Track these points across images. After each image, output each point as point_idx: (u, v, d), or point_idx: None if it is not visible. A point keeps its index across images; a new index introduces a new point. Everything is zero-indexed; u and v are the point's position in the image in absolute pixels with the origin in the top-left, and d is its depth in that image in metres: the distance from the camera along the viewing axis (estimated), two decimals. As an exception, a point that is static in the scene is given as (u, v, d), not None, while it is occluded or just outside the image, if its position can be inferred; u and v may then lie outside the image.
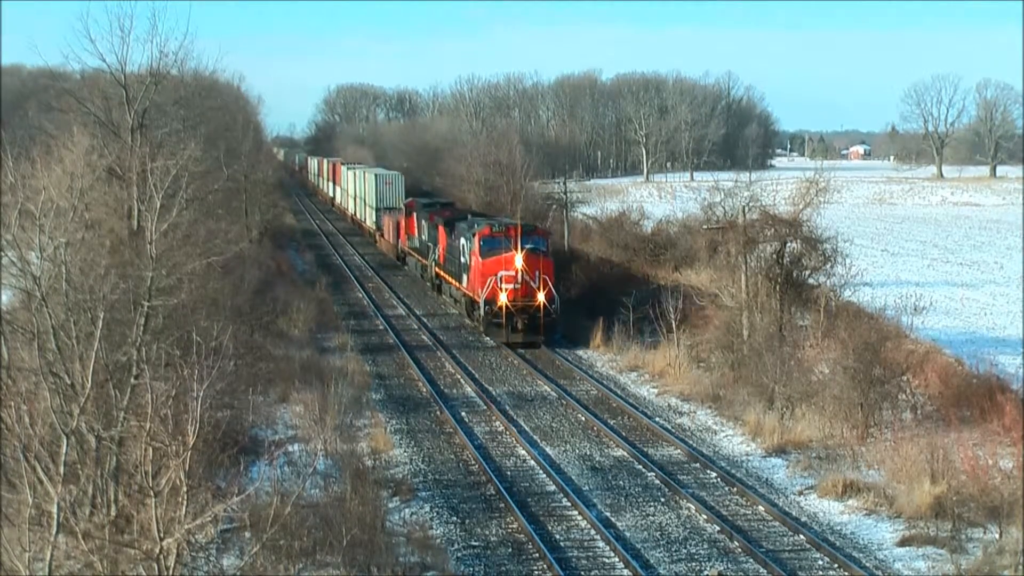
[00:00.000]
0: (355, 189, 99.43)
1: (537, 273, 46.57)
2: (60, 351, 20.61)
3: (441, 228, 57.82)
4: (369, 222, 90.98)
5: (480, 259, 47.83)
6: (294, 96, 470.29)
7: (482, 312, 47.51)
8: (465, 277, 51.12)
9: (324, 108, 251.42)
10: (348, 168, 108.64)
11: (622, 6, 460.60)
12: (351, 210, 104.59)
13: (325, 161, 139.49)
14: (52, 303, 21.16)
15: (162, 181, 26.21)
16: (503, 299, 46.67)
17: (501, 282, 46.77)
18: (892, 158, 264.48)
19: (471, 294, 49.99)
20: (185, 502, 16.75)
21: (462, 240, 51.63)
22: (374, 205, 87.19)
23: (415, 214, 68.58)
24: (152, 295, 22.96)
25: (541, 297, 46.53)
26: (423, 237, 65.13)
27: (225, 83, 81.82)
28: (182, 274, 27.28)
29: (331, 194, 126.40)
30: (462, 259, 51.81)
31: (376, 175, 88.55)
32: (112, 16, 45.99)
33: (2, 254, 23.90)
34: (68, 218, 24.48)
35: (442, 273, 58.30)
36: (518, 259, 46.53)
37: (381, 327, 53.60)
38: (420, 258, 66.68)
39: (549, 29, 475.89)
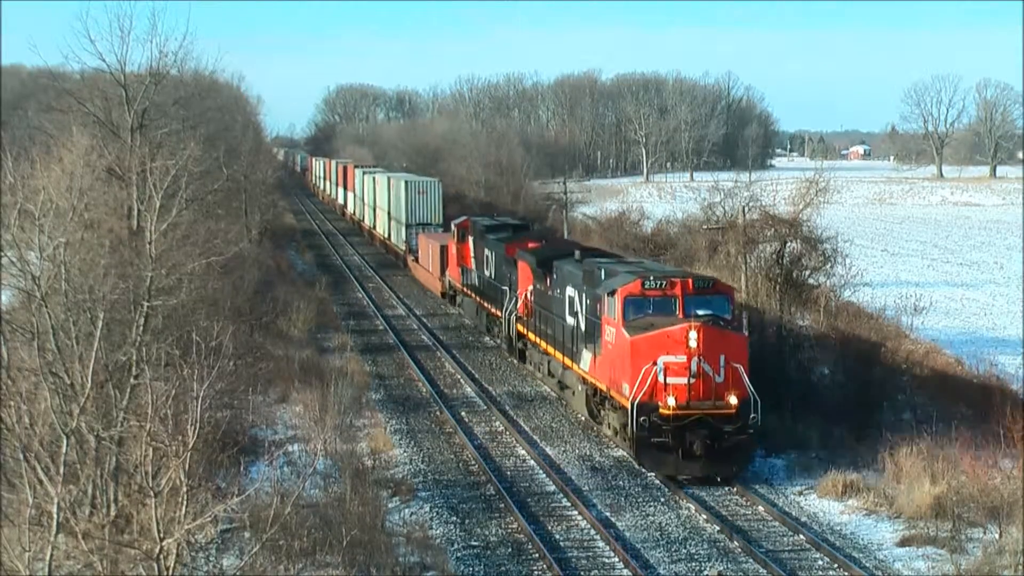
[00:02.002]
0: (375, 199, 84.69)
1: (722, 359, 29.28)
2: (60, 351, 20.62)
3: (525, 266, 41.37)
4: (396, 241, 74.78)
5: (626, 334, 30.07)
6: (294, 96, 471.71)
7: (634, 423, 29.42)
8: (589, 356, 33.33)
9: (324, 108, 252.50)
10: (364, 172, 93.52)
11: (622, 6, 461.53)
12: (370, 224, 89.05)
13: (333, 163, 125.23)
14: (52, 303, 21.17)
15: (162, 181, 26.25)
16: (671, 403, 29.02)
17: (664, 374, 29.25)
18: (892, 158, 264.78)
19: (604, 386, 32.26)
20: (185, 502, 16.75)
21: (570, 290, 35.37)
22: (403, 220, 71.02)
23: (472, 239, 51.71)
24: (152, 295, 22.97)
25: (732, 399, 29.11)
26: (487, 273, 48.26)
27: (225, 83, 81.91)
28: (182, 274, 27.28)
29: (341, 201, 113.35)
30: (568, 320, 35.46)
31: (406, 182, 71.72)
32: (112, 16, 46.08)
33: (2, 254, 23.89)
34: (68, 218, 24.48)
35: (532, 336, 40.73)
36: (692, 336, 29.05)
37: (381, 327, 53.59)
38: (484, 303, 49.30)
39: (549, 29, 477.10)
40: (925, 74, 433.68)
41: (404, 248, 71.53)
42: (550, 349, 38.02)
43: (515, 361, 44.11)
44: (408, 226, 70.37)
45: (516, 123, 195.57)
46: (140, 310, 22.51)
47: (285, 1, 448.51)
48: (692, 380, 29.12)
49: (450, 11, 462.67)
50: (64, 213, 24.62)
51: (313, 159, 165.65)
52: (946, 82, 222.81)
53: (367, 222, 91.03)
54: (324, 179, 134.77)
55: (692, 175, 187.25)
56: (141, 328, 22.35)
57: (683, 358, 29.18)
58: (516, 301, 42.72)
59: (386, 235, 79.31)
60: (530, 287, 40.72)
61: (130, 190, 39.26)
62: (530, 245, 42.86)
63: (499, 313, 45.90)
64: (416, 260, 67.71)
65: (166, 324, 25.87)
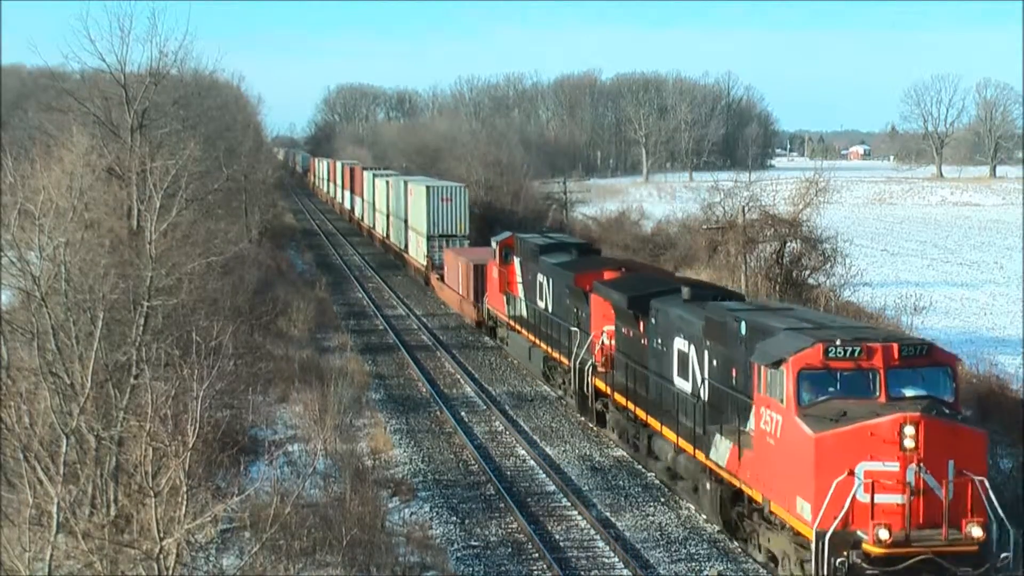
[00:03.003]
0: (389, 205, 77.05)
1: (951, 466, 20.10)
2: (60, 351, 20.63)
3: (603, 303, 33.08)
4: (417, 255, 66.15)
5: (805, 427, 20.83)
6: (294, 96, 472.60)
7: (824, 566, 20.06)
8: (726, 445, 24.12)
9: (324, 108, 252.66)
10: (376, 175, 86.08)
11: (622, 6, 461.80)
12: (383, 233, 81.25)
13: (338, 165, 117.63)
14: (52, 303, 21.18)
15: (162, 181, 26.28)
16: (882, 536, 19.73)
17: (869, 490, 20.00)
18: (892, 158, 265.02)
19: (757, 494, 23.07)
20: (185, 502, 16.76)
21: (679, 343, 27.37)
22: (424, 232, 62.86)
23: (519, 260, 43.89)
24: (152, 295, 22.98)
25: (975, 531, 20.01)
26: (542, 305, 39.98)
27: (225, 83, 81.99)
28: (182, 274, 27.32)
29: (348, 206, 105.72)
30: (678, 384, 27.32)
31: (428, 188, 63.61)
32: (112, 16, 46.11)
33: (2, 254, 23.91)
34: (68, 218, 24.51)
35: (620, 397, 31.92)
36: (908, 432, 19.85)
37: (381, 327, 53.60)
38: (541, 343, 40.10)
39: (549, 29, 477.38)
40: (925, 74, 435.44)
41: (426, 263, 63.01)
42: (654, 422, 29.06)
43: (591, 426, 34.95)
44: (430, 238, 62.30)
45: (516, 123, 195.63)
46: (140, 310, 22.52)
47: (285, 1, 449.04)
48: (911, 499, 19.87)
49: (450, 11, 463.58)
50: (64, 213, 24.65)
51: (315, 160, 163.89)
52: (946, 82, 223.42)
53: (379, 230, 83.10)
54: (328, 182, 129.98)
55: (692, 175, 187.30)
56: (141, 328, 22.35)
57: (895, 466, 19.89)
58: (590, 349, 34.11)
59: (402, 247, 71.44)
60: (608, 327, 32.80)
61: (130, 190, 39.29)
62: (606, 275, 34.27)
63: (565, 359, 37.01)
64: (442, 279, 59.24)
65: (166, 324, 25.89)
